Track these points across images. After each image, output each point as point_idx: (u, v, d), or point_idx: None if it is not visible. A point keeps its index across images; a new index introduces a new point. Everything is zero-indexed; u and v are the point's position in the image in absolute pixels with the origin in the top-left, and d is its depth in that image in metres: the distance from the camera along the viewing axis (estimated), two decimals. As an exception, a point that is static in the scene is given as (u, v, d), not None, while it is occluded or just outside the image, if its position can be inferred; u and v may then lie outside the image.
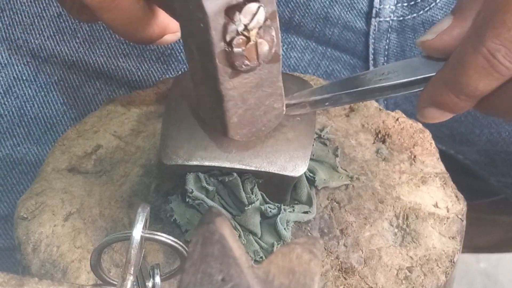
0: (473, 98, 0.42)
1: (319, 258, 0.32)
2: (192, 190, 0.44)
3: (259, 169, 0.44)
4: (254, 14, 0.38)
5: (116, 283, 0.37)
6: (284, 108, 0.44)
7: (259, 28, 0.39)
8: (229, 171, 0.44)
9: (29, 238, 0.45)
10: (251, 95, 0.42)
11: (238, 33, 0.39)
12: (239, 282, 0.30)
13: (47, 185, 0.48)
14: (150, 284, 0.39)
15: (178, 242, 0.37)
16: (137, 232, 0.36)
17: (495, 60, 0.40)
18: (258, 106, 0.43)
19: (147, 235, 0.36)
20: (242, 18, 0.38)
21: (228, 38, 0.39)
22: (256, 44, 0.39)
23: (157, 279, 0.39)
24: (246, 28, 0.39)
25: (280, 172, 0.44)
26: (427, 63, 0.44)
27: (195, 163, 0.44)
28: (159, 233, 0.37)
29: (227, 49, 0.39)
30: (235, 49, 0.39)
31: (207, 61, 0.40)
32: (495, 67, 0.40)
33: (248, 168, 0.44)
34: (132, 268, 0.36)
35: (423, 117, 0.44)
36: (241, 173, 0.44)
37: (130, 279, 0.36)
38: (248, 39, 0.39)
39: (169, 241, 0.37)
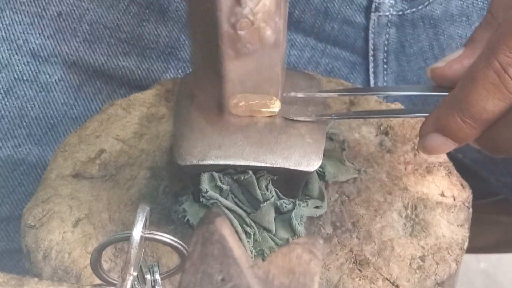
0: (479, 123, 0.40)
1: (319, 258, 0.32)
2: (206, 189, 0.43)
3: (275, 166, 0.43)
4: None
5: (116, 282, 0.37)
6: (279, 95, 0.44)
7: (264, 12, 0.39)
8: (244, 169, 0.44)
9: (38, 246, 0.44)
10: (249, 78, 0.42)
11: (243, 16, 0.38)
12: (239, 282, 0.30)
13: (53, 192, 0.47)
14: (150, 283, 0.38)
15: (178, 241, 0.36)
16: (137, 232, 0.35)
17: (506, 75, 0.38)
18: (254, 89, 0.42)
19: (146, 235, 0.36)
20: (248, 2, 0.38)
21: (233, 20, 0.38)
22: (259, 28, 0.39)
23: (157, 277, 0.39)
24: (251, 11, 0.38)
25: (295, 168, 0.44)
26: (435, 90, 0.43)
27: (210, 162, 0.43)
28: (158, 233, 0.36)
29: (231, 31, 0.39)
30: (239, 32, 0.39)
31: (210, 42, 0.40)
32: (506, 83, 0.38)
33: (263, 165, 0.43)
34: (132, 268, 0.36)
35: (424, 145, 0.42)
36: (256, 170, 0.44)
37: (130, 279, 0.36)
38: (252, 23, 0.39)
39: (169, 240, 0.36)
